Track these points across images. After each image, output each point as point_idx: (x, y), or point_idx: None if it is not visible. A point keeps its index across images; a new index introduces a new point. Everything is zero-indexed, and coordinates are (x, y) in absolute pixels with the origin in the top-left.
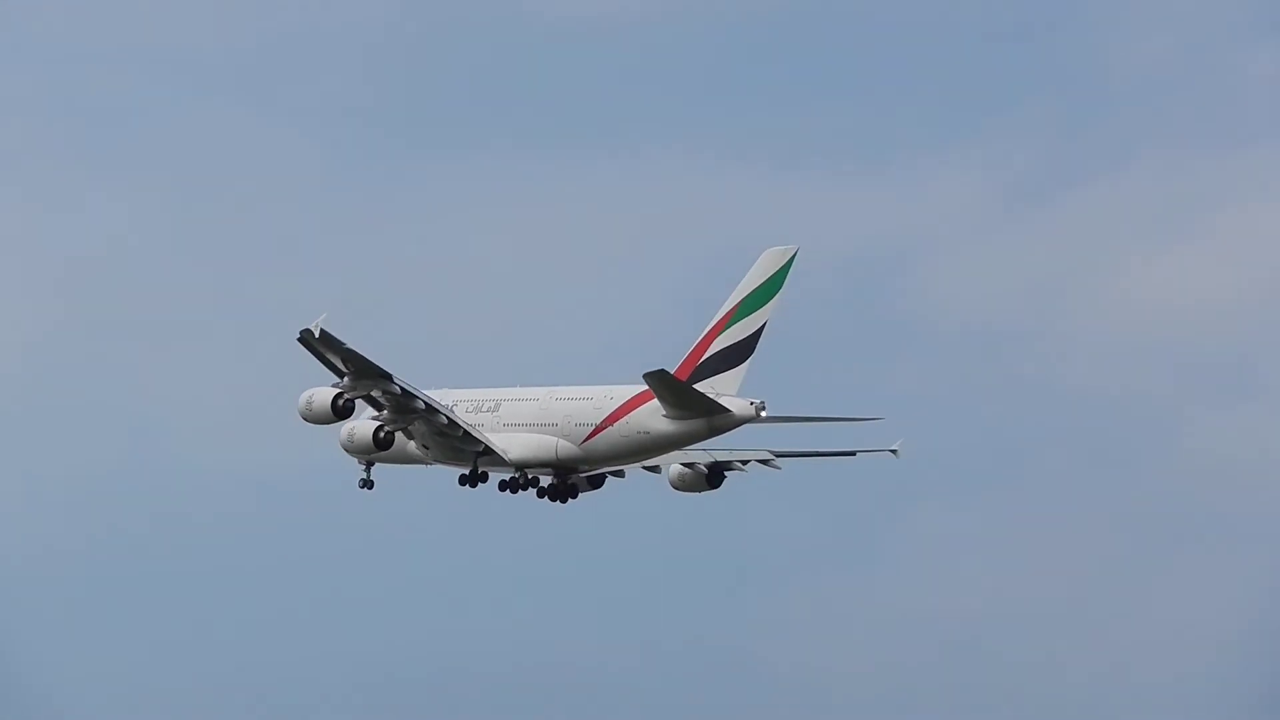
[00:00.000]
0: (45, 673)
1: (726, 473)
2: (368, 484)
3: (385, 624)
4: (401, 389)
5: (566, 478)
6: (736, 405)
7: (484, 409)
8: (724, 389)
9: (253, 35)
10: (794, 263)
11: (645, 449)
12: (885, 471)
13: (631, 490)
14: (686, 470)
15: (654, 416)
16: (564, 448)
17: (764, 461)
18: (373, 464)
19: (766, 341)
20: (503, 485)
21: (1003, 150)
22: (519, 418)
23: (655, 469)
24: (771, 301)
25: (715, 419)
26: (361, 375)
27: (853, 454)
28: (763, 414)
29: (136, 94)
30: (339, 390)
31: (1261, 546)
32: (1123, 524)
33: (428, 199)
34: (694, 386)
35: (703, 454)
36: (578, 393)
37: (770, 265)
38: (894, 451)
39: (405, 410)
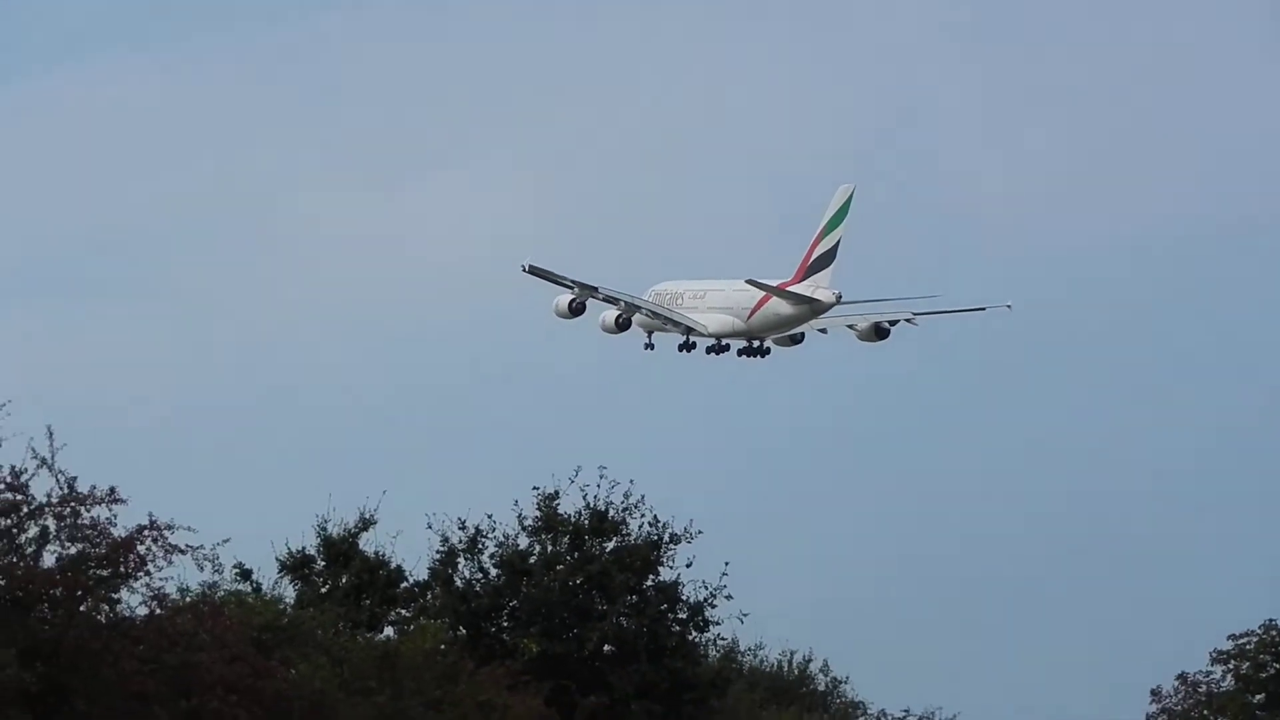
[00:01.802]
0: None
1: (890, 326)
2: (649, 346)
3: None
4: (604, 295)
5: (751, 344)
6: (822, 294)
7: (697, 295)
8: (820, 284)
9: None
10: (854, 197)
11: (782, 324)
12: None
13: (822, 343)
14: (865, 328)
15: (780, 304)
16: (737, 324)
17: (908, 320)
18: (651, 332)
19: (844, 251)
20: (708, 350)
21: None
22: (713, 303)
23: (801, 339)
24: (842, 224)
25: (815, 305)
26: (580, 286)
27: (982, 309)
28: (840, 299)
29: None
30: (571, 297)
31: None
32: None
33: None
34: (789, 286)
35: (861, 318)
36: (743, 287)
37: (840, 198)
38: (1009, 306)
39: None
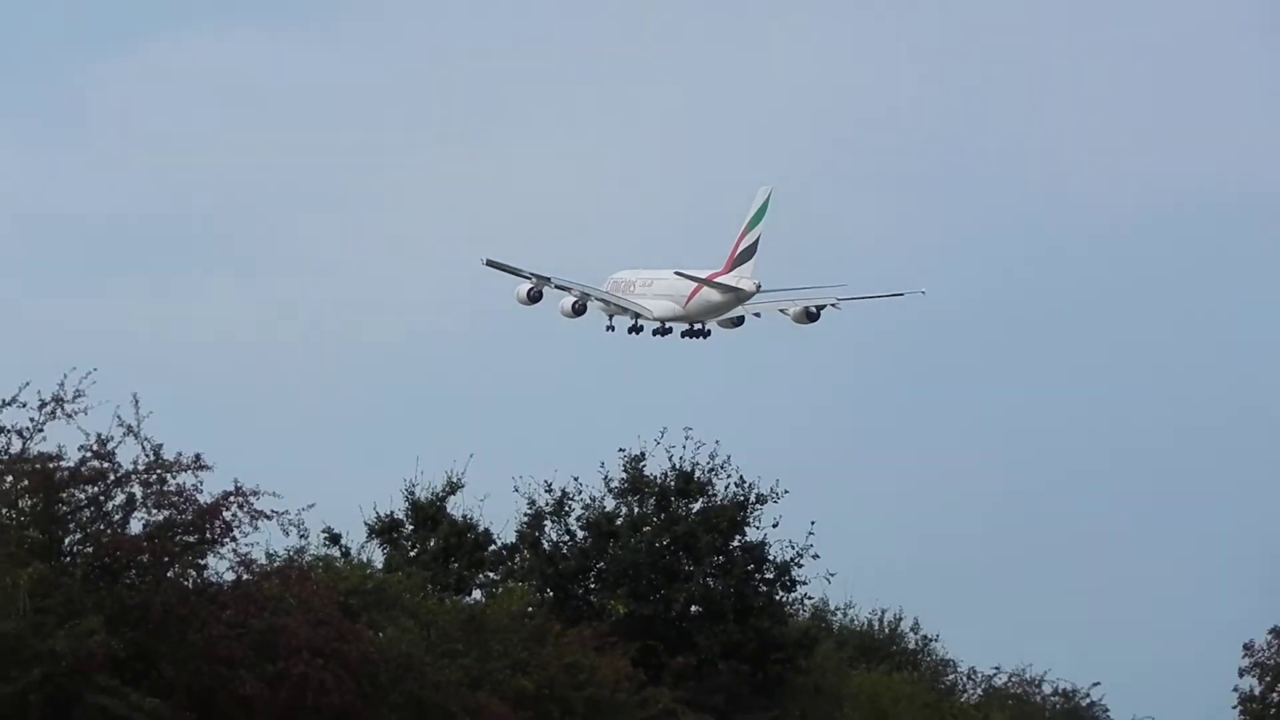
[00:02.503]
0: None
1: (818, 310)
2: (610, 328)
3: None
4: (556, 284)
5: (692, 327)
6: (745, 283)
7: (646, 284)
8: (743, 275)
9: None
10: (771, 197)
11: (714, 309)
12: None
13: (758, 324)
14: (797, 312)
15: (711, 293)
16: (677, 309)
17: (833, 305)
18: (612, 315)
19: (764, 246)
20: (654, 331)
21: None
22: (658, 291)
23: (740, 321)
24: (763, 220)
25: (739, 293)
26: (536, 277)
27: (901, 295)
28: (760, 288)
29: None
30: (529, 286)
31: None
32: None
33: None
34: (717, 277)
35: (793, 304)
36: (695, 274)
37: (760, 198)
38: (923, 292)
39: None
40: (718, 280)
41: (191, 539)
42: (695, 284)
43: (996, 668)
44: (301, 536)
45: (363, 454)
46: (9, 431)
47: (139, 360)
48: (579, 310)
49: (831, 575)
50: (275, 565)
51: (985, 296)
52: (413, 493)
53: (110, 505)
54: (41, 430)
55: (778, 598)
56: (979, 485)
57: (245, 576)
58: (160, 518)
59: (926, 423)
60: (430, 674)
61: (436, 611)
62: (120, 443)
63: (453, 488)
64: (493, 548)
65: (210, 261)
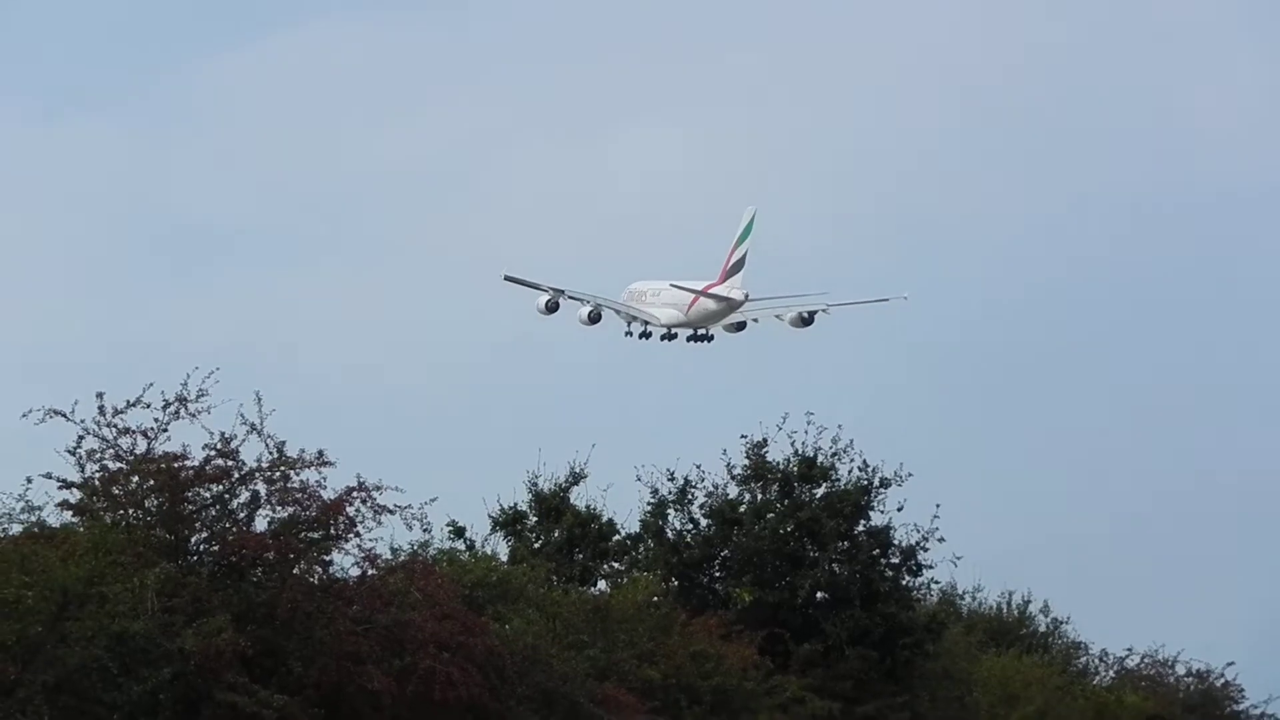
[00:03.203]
0: None
1: (811, 315)
2: (629, 333)
3: None
4: (569, 296)
5: (695, 333)
6: (735, 293)
7: (659, 293)
8: (734, 286)
9: None
10: (755, 216)
11: (711, 317)
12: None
13: (757, 328)
14: (793, 317)
15: (708, 302)
16: (680, 317)
17: (823, 310)
18: (630, 320)
19: (752, 259)
20: (661, 337)
21: None
22: (665, 300)
23: (743, 326)
24: (749, 237)
25: (731, 302)
26: (551, 290)
27: (886, 300)
28: (748, 297)
29: None
30: (546, 298)
31: None
32: None
33: None
34: (712, 288)
35: (788, 310)
36: (692, 285)
37: (746, 217)
38: (905, 298)
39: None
40: (711, 291)
41: (316, 535)
42: (694, 294)
43: (1128, 649)
44: (425, 531)
45: (485, 447)
46: (134, 432)
47: (258, 357)
48: (594, 319)
49: (958, 559)
50: (400, 560)
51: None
52: (536, 484)
53: (235, 503)
54: (166, 430)
55: (904, 582)
56: (1106, 465)
57: (370, 572)
58: (285, 515)
59: (1053, 403)
60: (557, 666)
61: (562, 603)
62: (244, 441)
63: (575, 478)
64: (617, 538)
65: (322, 256)
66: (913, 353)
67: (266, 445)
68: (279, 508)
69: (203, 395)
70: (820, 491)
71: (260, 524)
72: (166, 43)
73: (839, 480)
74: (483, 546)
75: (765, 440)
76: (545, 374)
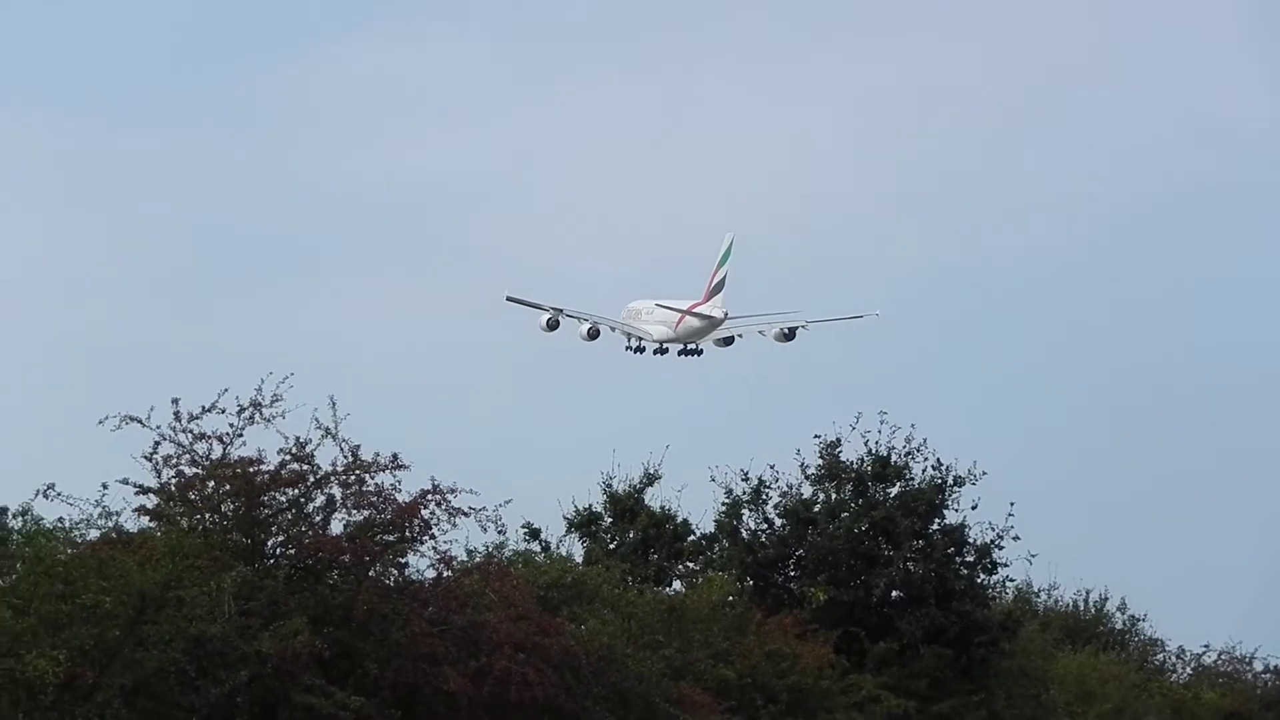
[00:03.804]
0: None
1: (792, 330)
2: (637, 349)
3: None
4: (567, 314)
5: (685, 347)
6: (715, 311)
7: (659, 310)
8: (714, 305)
9: None
10: (733, 242)
11: (697, 333)
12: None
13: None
14: (776, 333)
15: (692, 320)
16: (669, 333)
17: (802, 327)
18: (630, 335)
19: (731, 281)
20: (654, 351)
21: None
22: (657, 318)
23: (730, 341)
24: (728, 261)
25: (712, 320)
26: (551, 309)
27: (860, 317)
28: (728, 315)
29: None
30: (548, 316)
31: None
32: None
33: None
34: (696, 307)
35: (771, 326)
36: (678, 305)
37: (725, 243)
38: (877, 314)
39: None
40: (695, 310)
41: (391, 538)
42: (680, 315)
43: (1205, 646)
44: (500, 533)
45: (560, 449)
46: (210, 438)
47: (330, 363)
48: (592, 335)
49: (1033, 556)
50: (475, 562)
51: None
52: (610, 485)
53: (310, 507)
54: (241, 435)
55: (979, 580)
56: (1181, 462)
57: (445, 574)
58: (360, 518)
59: (1117, 399)
60: (632, 666)
61: (637, 603)
62: (319, 445)
63: (650, 479)
64: (691, 538)
65: (391, 262)
66: (981, 348)
67: (341, 449)
68: (354, 511)
69: (277, 400)
70: (894, 490)
71: (336, 527)
72: (226, 53)
73: (913, 479)
74: (558, 548)
75: (839, 440)
76: (618, 376)
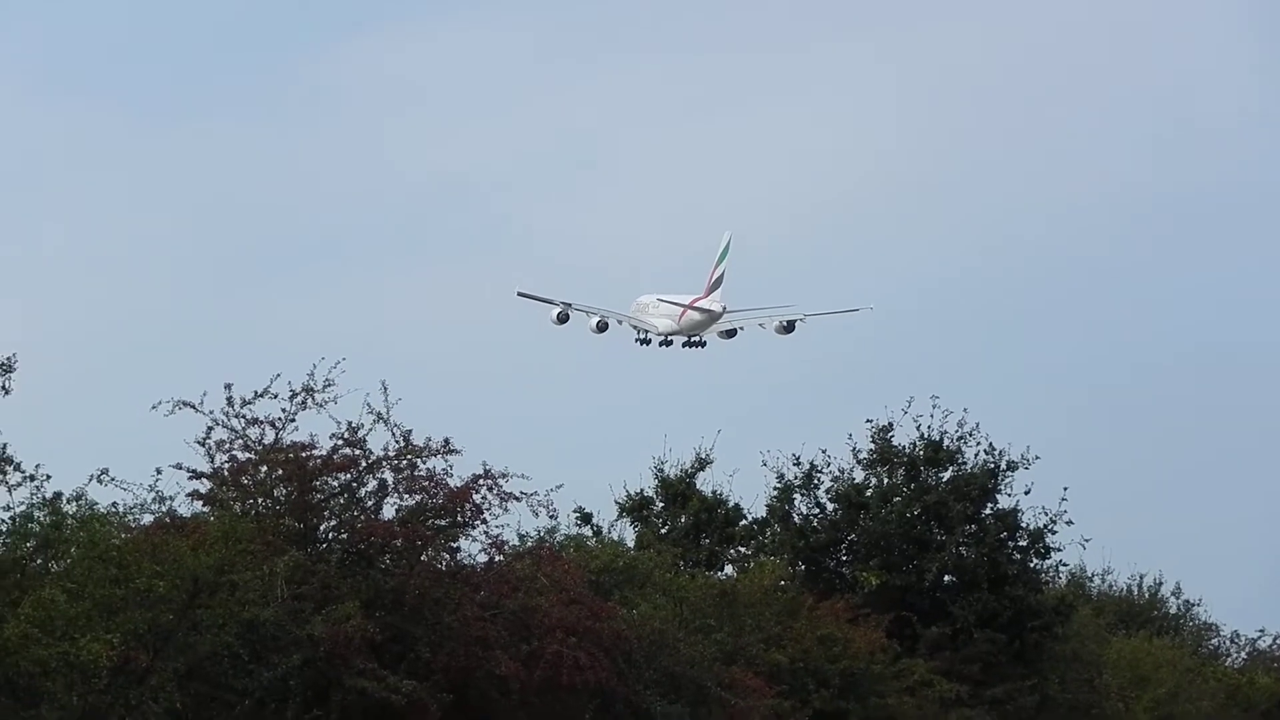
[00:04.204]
0: None
1: (795, 322)
2: (644, 340)
3: None
4: (576, 308)
5: (689, 339)
6: (715, 306)
7: (663, 305)
8: (714, 299)
9: None
10: (731, 239)
11: (698, 326)
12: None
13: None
14: (777, 325)
15: (693, 314)
16: (673, 326)
17: (800, 319)
18: (638, 328)
19: (730, 276)
20: (659, 343)
21: None
22: (661, 312)
23: (733, 333)
24: (726, 258)
25: (711, 314)
26: (561, 303)
27: (856, 310)
28: (726, 309)
29: None
30: (557, 310)
31: None
32: None
33: None
34: (698, 302)
35: (770, 319)
36: (680, 299)
37: (723, 241)
38: (871, 308)
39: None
40: (696, 305)
41: (443, 522)
42: (683, 308)
43: (1260, 631)
44: (551, 517)
45: (611, 433)
46: (263, 423)
47: (379, 348)
48: (601, 328)
49: (1086, 541)
50: (526, 546)
51: None
52: (662, 470)
53: (363, 492)
54: (294, 420)
55: (1032, 565)
56: (1237, 444)
57: (497, 558)
58: (412, 503)
59: (1171, 381)
60: (684, 650)
61: (688, 587)
62: (370, 430)
63: (701, 464)
64: (743, 522)
65: (440, 248)
66: (1035, 337)
67: (393, 434)
68: (406, 496)
69: (329, 385)
70: (947, 475)
71: (388, 512)
72: (282, 42)
73: (965, 464)
74: (609, 532)
75: (890, 424)
76: (668, 360)
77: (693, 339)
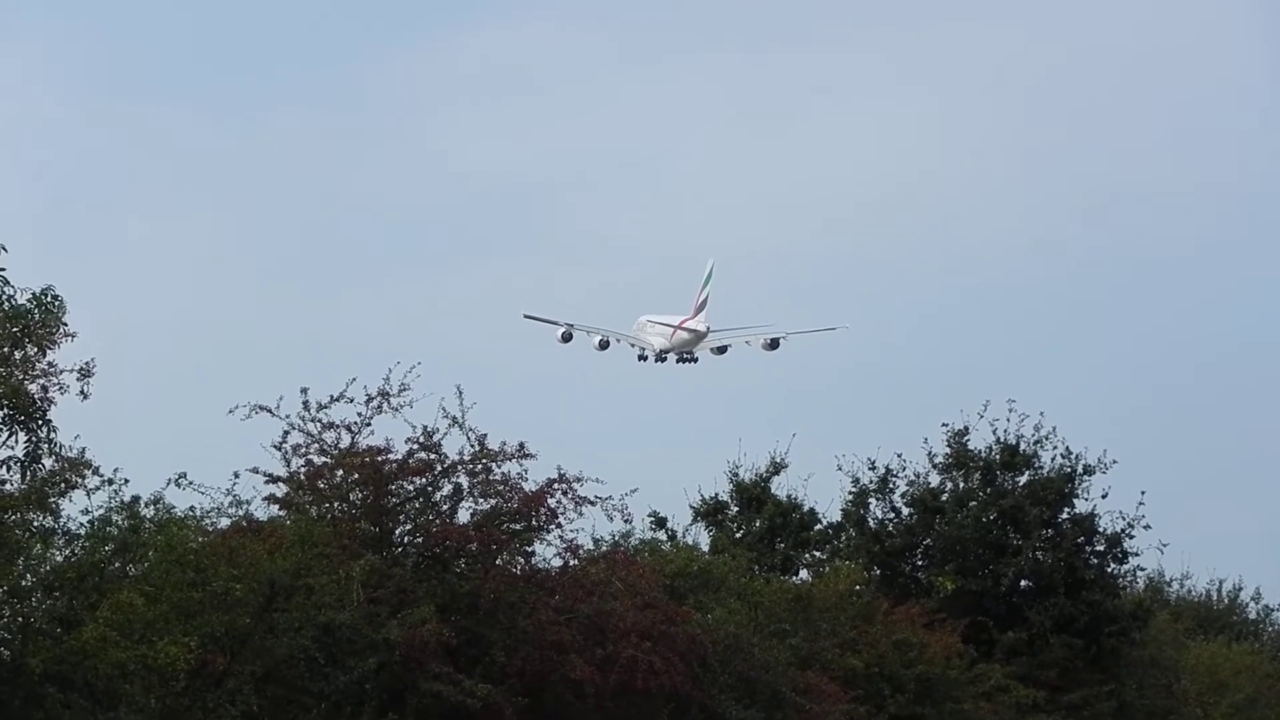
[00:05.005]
0: None
1: (779, 340)
2: (642, 357)
3: None
4: (578, 329)
5: (681, 356)
6: (700, 326)
7: (655, 325)
8: (700, 320)
9: None
10: (714, 267)
11: (687, 344)
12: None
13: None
14: (762, 342)
15: (682, 333)
16: (666, 344)
17: (783, 337)
18: (637, 346)
19: (713, 299)
20: (655, 359)
21: None
22: (655, 330)
23: (723, 350)
24: (710, 283)
25: (696, 334)
26: (564, 324)
27: (834, 329)
28: (710, 329)
29: None
30: (561, 330)
31: None
32: None
33: None
34: (684, 323)
35: (755, 337)
36: (670, 320)
37: (707, 267)
38: (847, 327)
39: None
40: (684, 325)
41: (518, 527)
42: (675, 328)
43: None
44: (626, 521)
45: (686, 438)
46: (338, 427)
47: (454, 352)
48: (603, 346)
49: (1164, 545)
50: (601, 551)
51: None
52: (737, 474)
53: (438, 496)
54: (369, 424)
55: (1109, 570)
56: None
57: (572, 562)
58: (487, 506)
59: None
60: (759, 654)
61: (763, 592)
62: (446, 434)
63: (776, 468)
64: (818, 527)
65: (511, 249)
66: (1089, 338)
67: (468, 438)
68: (481, 500)
69: (404, 389)
70: (1023, 479)
71: (463, 516)
72: (350, 41)
73: (1041, 468)
74: (684, 537)
75: (966, 428)
76: (740, 363)
77: (684, 356)
